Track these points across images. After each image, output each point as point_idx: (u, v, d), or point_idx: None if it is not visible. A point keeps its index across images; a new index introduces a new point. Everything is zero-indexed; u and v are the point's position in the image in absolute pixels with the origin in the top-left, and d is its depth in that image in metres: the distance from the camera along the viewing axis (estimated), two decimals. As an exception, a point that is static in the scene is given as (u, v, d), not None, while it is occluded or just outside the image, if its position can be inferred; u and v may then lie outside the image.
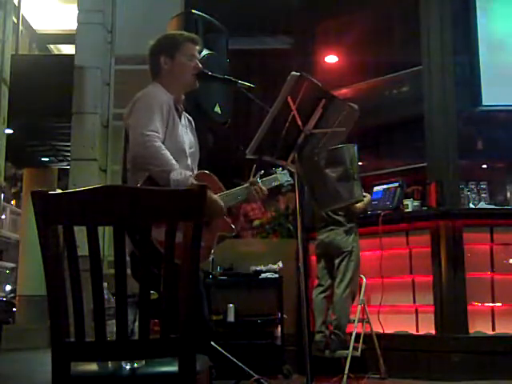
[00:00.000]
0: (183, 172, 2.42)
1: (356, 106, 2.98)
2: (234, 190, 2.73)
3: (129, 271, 1.63)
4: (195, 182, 2.43)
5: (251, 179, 2.82)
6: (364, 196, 4.58)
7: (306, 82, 2.75)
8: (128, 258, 2.00)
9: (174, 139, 2.56)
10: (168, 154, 2.41)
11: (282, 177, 3.07)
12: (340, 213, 4.65)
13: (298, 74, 2.72)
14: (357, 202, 4.29)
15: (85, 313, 1.55)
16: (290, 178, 3.10)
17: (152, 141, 2.39)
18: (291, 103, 2.73)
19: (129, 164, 2.55)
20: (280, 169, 3.08)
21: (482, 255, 4.64)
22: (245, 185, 2.80)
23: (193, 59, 2.70)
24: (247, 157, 2.81)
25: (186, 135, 2.68)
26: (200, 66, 2.72)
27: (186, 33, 2.81)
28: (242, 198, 2.78)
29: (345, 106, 2.92)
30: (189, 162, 2.62)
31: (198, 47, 2.77)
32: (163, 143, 2.45)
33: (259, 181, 2.82)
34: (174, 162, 2.41)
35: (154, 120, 2.46)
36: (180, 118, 2.67)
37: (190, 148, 2.68)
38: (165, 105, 2.55)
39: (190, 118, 2.82)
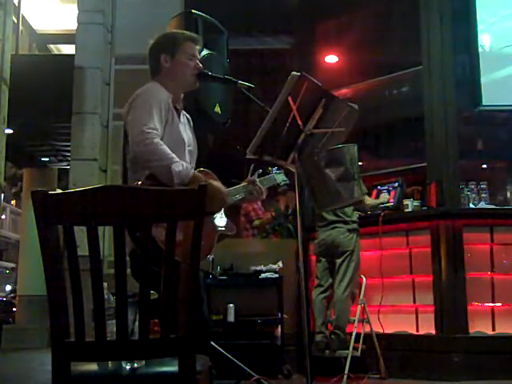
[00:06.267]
0: (184, 164, 2.43)
1: (356, 106, 2.97)
2: (232, 189, 2.74)
3: (129, 271, 1.63)
4: (197, 174, 2.45)
5: (249, 178, 2.82)
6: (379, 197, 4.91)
7: (307, 81, 2.74)
8: (127, 258, 2.00)
9: (172, 137, 2.56)
10: (167, 148, 2.41)
11: (278, 176, 3.09)
12: (346, 210, 4.67)
13: (299, 73, 2.71)
14: (357, 203, 4.30)
15: (85, 313, 1.55)
16: (286, 178, 3.11)
17: (151, 138, 2.39)
18: (292, 103, 2.73)
19: (129, 162, 2.55)
20: (276, 168, 3.09)
21: (482, 255, 4.64)
22: (243, 183, 2.80)
23: (193, 59, 2.70)
24: (247, 157, 2.81)
25: (185, 133, 2.68)
26: (200, 65, 2.72)
27: (186, 32, 2.81)
28: (241, 196, 2.79)
29: (345, 106, 2.92)
30: (188, 159, 2.63)
31: (198, 47, 2.77)
32: (162, 140, 2.45)
33: (257, 180, 2.84)
34: (173, 155, 2.41)
35: (153, 117, 2.46)
36: (179, 116, 2.67)
37: (189, 146, 2.68)
38: (163, 102, 2.55)
39: (189, 116, 2.82)
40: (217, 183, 2.56)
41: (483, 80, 5.16)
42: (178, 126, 2.62)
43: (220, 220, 2.63)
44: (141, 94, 2.57)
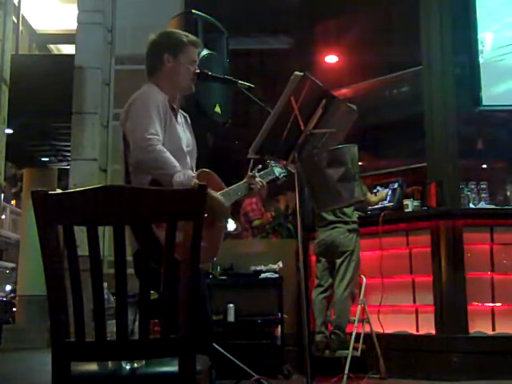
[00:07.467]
0: (186, 173, 2.43)
1: (354, 107, 2.98)
2: (234, 187, 2.76)
3: (130, 271, 1.63)
4: (198, 182, 2.45)
5: (249, 173, 2.84)
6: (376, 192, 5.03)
7: (309, 82, 2.74)
8: (130, 258, 2.00)
9: (172, 139, 2.56)
10: (169, 156, 2.41)
11: (276, 169, 3.10)
12: (345, 210, 4.67)
13: (302, 73, 2.71)
14: (357, 203, 4.31)
15: (85, 313, 1.55)
16: (284, 170, 3.12)
17: (153, 144, 2.39)
18: (294, 103, 2.72)
19: (131, 167, 2.55)
20: (273, 162, 3.11)
21: (482, 255, 4.64)
22: (244, 180, 2.82)
23: (193, 64, 2.71)
24: (249, 156, 2.82)
25: (183, 133, 2.69)
26: (198, 71, 2.73)
27: (190, 35, 2.79)
28: (243, 193, 2.81)
29: (343, 106, 2.92)
30: (187, 160, 2.63)
31: (197, 50, 2.78)
32: (163, 144, 2.45)
33: (257, 174, 2.85)
34: (176, 163, 2.42)
35: (153, 122, 2.45)
36: (176, 117, 2.67)
37: (188, 146, 2.68)
38: (161, 105, 2.54)
39: (186, 114, 2.81)
40: (217, 195, 2.56)
41: (485, 94, 5.15)
42: (176, 127, 2.62)
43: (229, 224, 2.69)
44: (138, 97, 2.56)
